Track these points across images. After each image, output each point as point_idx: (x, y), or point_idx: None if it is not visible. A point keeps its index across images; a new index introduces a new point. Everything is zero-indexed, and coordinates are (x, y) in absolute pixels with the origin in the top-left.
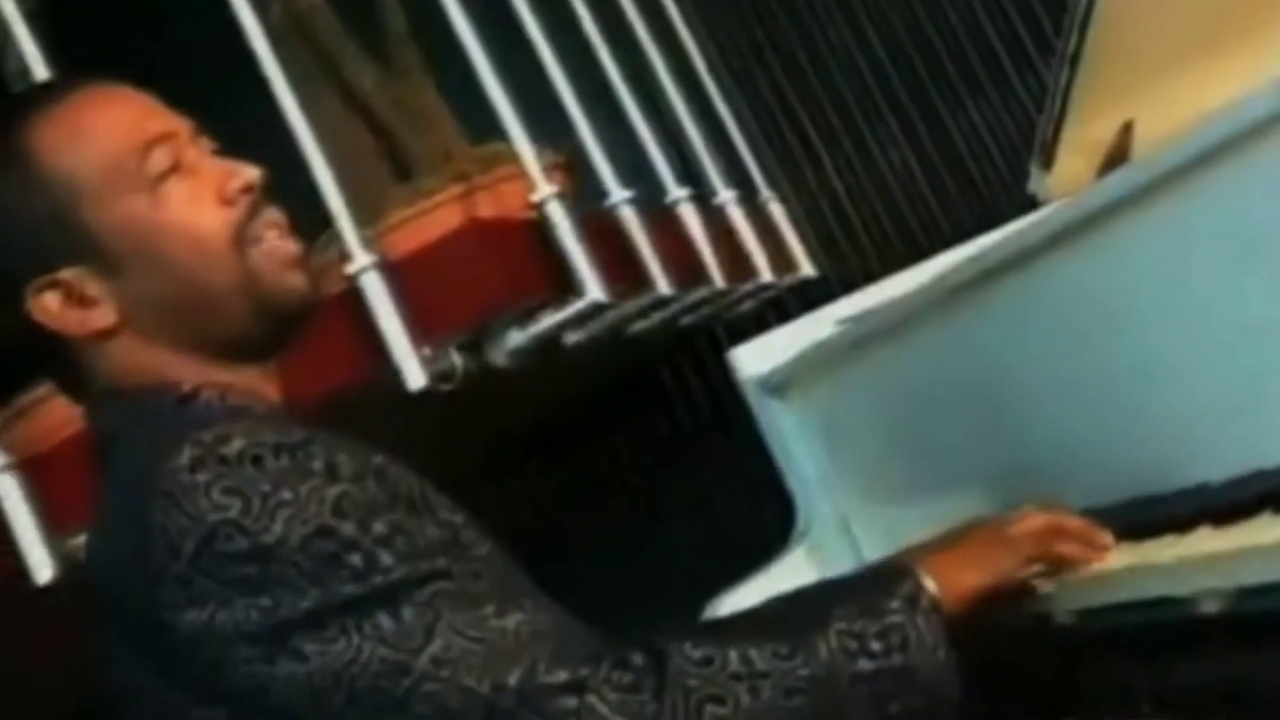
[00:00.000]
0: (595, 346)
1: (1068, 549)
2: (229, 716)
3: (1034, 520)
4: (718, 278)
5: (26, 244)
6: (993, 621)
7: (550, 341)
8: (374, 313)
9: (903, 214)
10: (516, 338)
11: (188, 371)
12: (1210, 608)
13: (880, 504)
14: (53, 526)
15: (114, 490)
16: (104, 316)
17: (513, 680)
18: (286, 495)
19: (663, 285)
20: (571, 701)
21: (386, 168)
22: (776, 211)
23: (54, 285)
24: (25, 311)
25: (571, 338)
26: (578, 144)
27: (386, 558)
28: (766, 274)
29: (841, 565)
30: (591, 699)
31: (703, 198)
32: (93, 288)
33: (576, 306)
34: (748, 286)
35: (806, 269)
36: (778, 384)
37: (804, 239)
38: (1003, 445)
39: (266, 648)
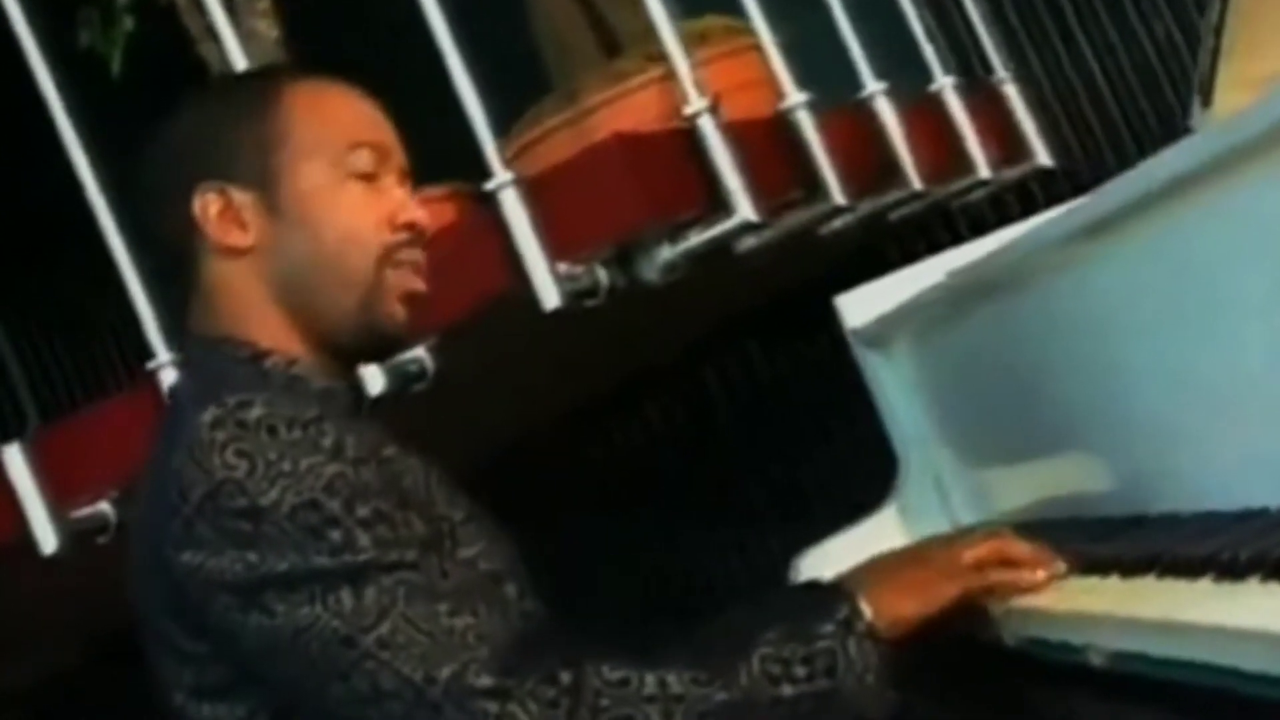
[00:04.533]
0: (773, 255)
1: (1009, 578)
2: (211, 651)
3: (979, 548)
4: (914, 179)
5: (230, 150)
6: (942, 642)
7: (717, 252)
8: (511, 229)
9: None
10: (668, 253)
11: (271, 328)
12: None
13: (975, 465)
14: None
15: (169, 430)
16: (242, 237)
17: (444, 675)
18: (287, 466)
19: (837, 195)
20: (493, 706)
21: (593, 40)
22: (1011, 94)
23: (223, 193)
24: (189, 203)
25: (744, 244)
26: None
27: (363, 539)
28: (984, 170)
29: (931, 527)
30: (513, 707)
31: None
32: (249, 214)
33: (725, 225)
34: (966, 182)
35: (1042, 159)
36: (878, 336)
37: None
38: (1106, 418)
39: (242, 598)
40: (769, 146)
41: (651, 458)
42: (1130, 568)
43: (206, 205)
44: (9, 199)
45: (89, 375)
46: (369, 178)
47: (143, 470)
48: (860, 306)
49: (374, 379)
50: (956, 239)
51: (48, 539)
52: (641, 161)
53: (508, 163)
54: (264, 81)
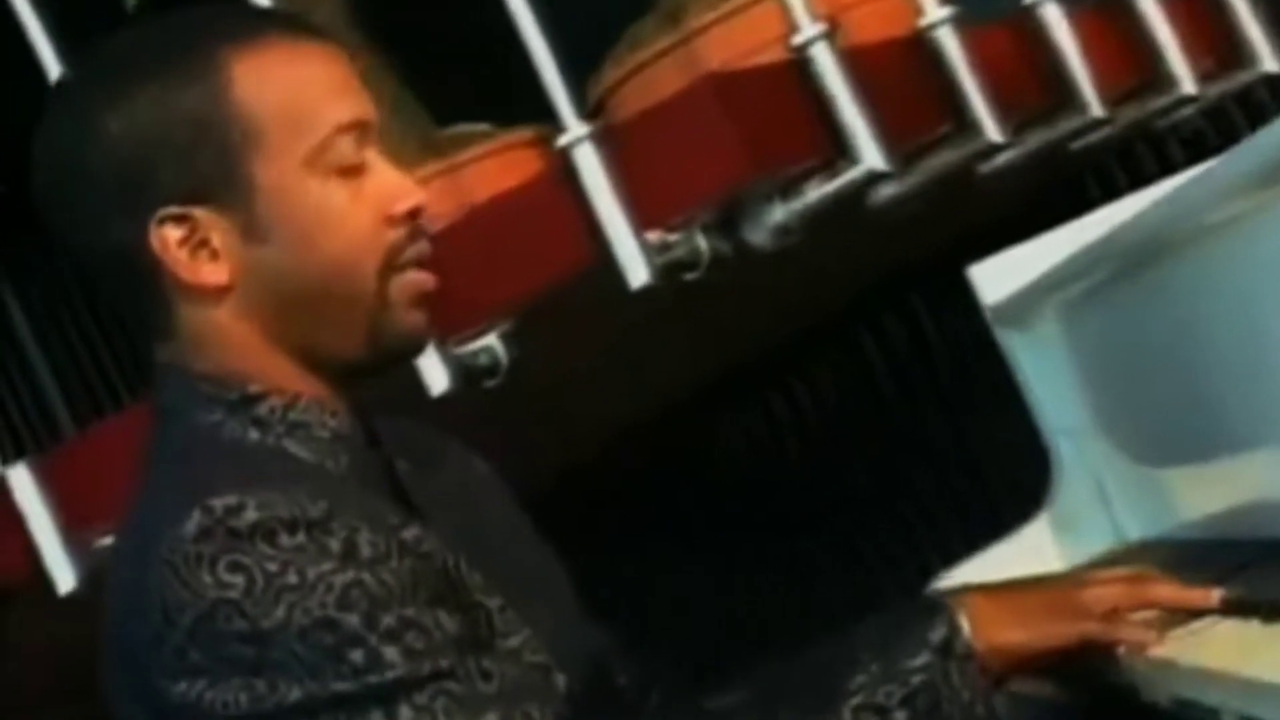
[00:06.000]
0: (916, 208)
1: (1136, 635)
2: None
3: (1112, 588)
4: (1094, 102)
5: (180, 163)
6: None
7: (842, 209)
8: (589, 194)
9: None
10: (780, 213)
11: (266, 367)
12: None
13: (1143, 464)
14: None
15: (147, 492)
16: (216, 273)
17: None
18: (292, 579)
19: (991, 129)
20: None
21: None
22: None
23: (183, 220)
24: (141, 234)
25: (877, 197)
26: None
27: (390, 654)
28: (1188, 84)
29: (1093, 542)
30: None
31: None
32: (219, 240)
33: (849, 176)
34: (1165, 101)
35: (1269, 64)
36: (1018, 312)
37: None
38: None
39: None
40: (904, 74)
41: (760, 461)
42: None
43: (165, 236)
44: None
45: (132, 378)
46: (355, 168)
47: (111, 554)
48: (999, 278)
49: (436, 375)
50: (1168, 168)
51: (64, 576)
52: (744, 103)
53: (602, 100)
54: (199, 52)
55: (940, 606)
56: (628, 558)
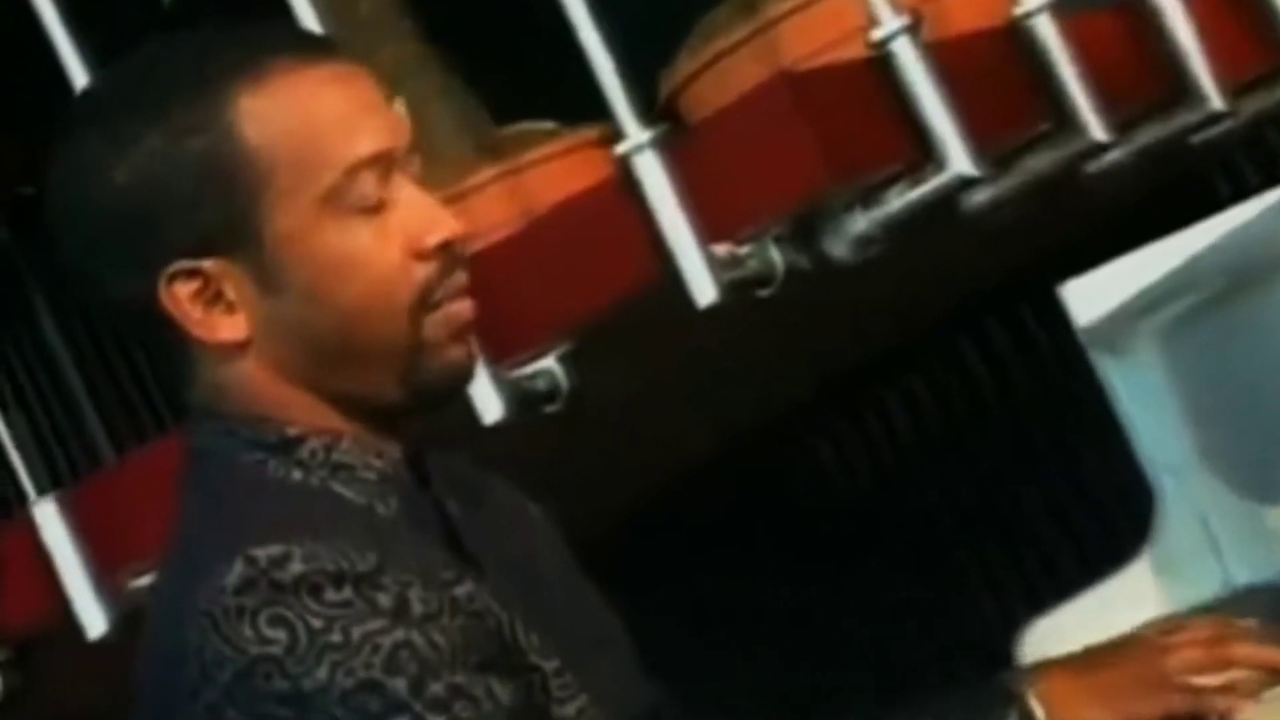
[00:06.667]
0: (1014, 215)
1: (1220, 704)
2: None
3: (1194, 651)
4: (1213, 95)
5: (187, 214)
6: None
7: (929, 217)
8: (651, 204)
9: None
10: (861, 222)
11: (302, 412)
12: None
13: (1252, 501)
14: None
15: (186, 534)
16: (234, 328)
17: None
18: (337, 638)
19: (1095, 127)
20: None
21: None
22: None
23: (194, 274)
24: (152, 289)
25: (969, 203)
26: None
27: None
28: None
29: (1198, 587)
30: None
31: None
32: (234, 291)
33: (936, 181)
34: None
35: None
36: (1113, 335)
37: None
38: None
39: None
40: (996, 69)
41: (835, 493)
42: None
43: (175, 292)
44: None
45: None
46: (378, 207)
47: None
48: (1093, 296)
49: (489, 402)
50: None
51: (94, 620)
52: (821, 103)
53: (674, 95)
54: (204, 90)
55: (1012, 697)
56: (701, 594)
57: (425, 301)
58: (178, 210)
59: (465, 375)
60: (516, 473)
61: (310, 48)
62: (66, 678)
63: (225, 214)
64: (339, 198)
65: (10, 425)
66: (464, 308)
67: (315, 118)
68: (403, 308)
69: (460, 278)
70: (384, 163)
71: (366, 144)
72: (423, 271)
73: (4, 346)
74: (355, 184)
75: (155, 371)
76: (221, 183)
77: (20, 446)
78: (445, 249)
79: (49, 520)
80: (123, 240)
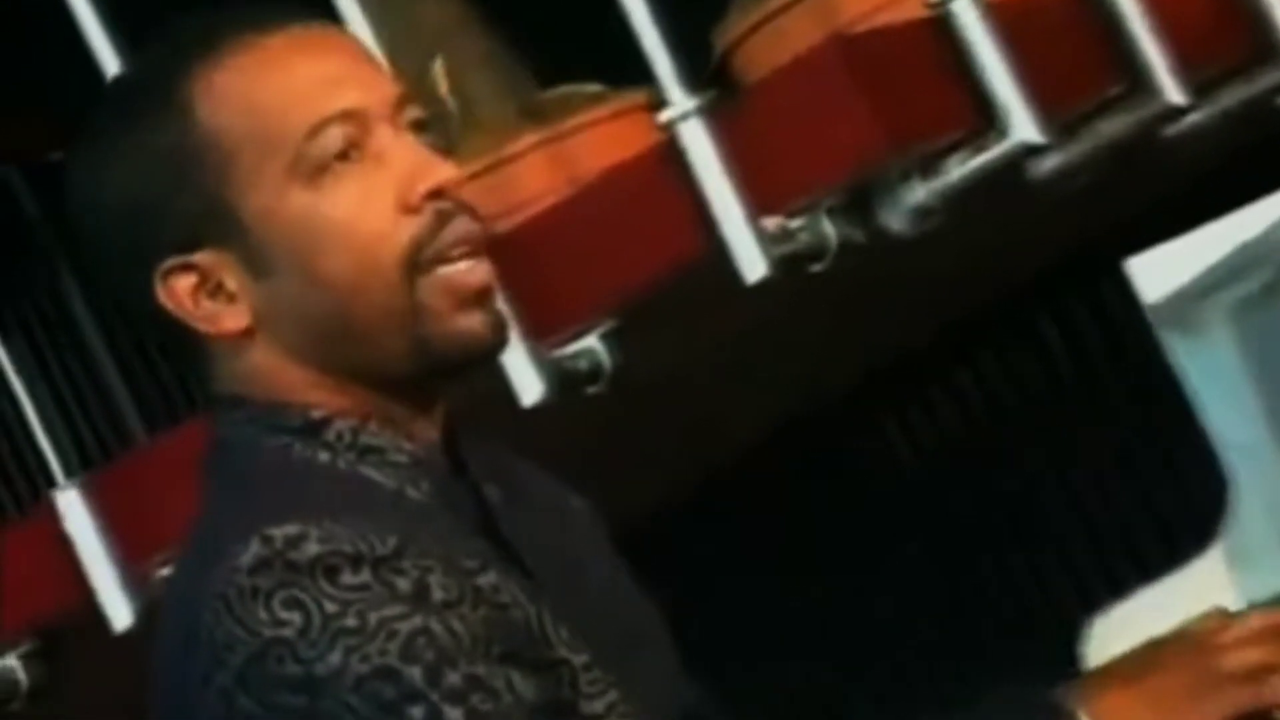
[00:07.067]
0: (1084, 184)
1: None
2: None
3: (1254, 646)
4: None
5: (166, 214)
6: None
7: (991, 187)
8: (698, 175)
9: None
10: (920, 192)
11: (322, 394)
12: None
13: None
14: None
15: (206, 517)
16: (237, 317)
17: None
18: (352, 622)
19: (1172, 90)
20: None
21: None
22: None
23: (188, 268)
24: (151, 292)
25: (1036, 172)
26: None
27: (454, 715)
28: None
29: (1272, 578)
30: None
31: None
32: (231, 280)
33: (998, 149)
34: None
35: None
36: (1183, 313)
37: None
38: None
39: None
40: (1062, 30)
41: (897, 476)
42: None
43: (173, 289)
44: None
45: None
46: (347, 155)
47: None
48: (1162, 272)
49: (529, 382)
50: None
51: (119, 611)
52: (876, 68)
53: (725, 57)
54: (164, 82)
55: (1060, 710)
56: (749, 583)
57: (416, 260)
58: (160, 206)
59: (480, 347)
60: (556, 456)
61: (266, 18)
62: (93, 669)
63: (203, 203)
64: (305, 163)
65: (38, 405)
66: (469, 274)
67: (271, 88)
68: (391, 270)
69: (458, 231)
70: (356, 120)
71: (328, 104)
72: (410, 228)
73: (30, 321)
74: (316, 141)
75: (179, 371)
76: (192, 171)
77: (48, 429)
78: (436, 197)
79: (73, 509)
80: (119, 245)
